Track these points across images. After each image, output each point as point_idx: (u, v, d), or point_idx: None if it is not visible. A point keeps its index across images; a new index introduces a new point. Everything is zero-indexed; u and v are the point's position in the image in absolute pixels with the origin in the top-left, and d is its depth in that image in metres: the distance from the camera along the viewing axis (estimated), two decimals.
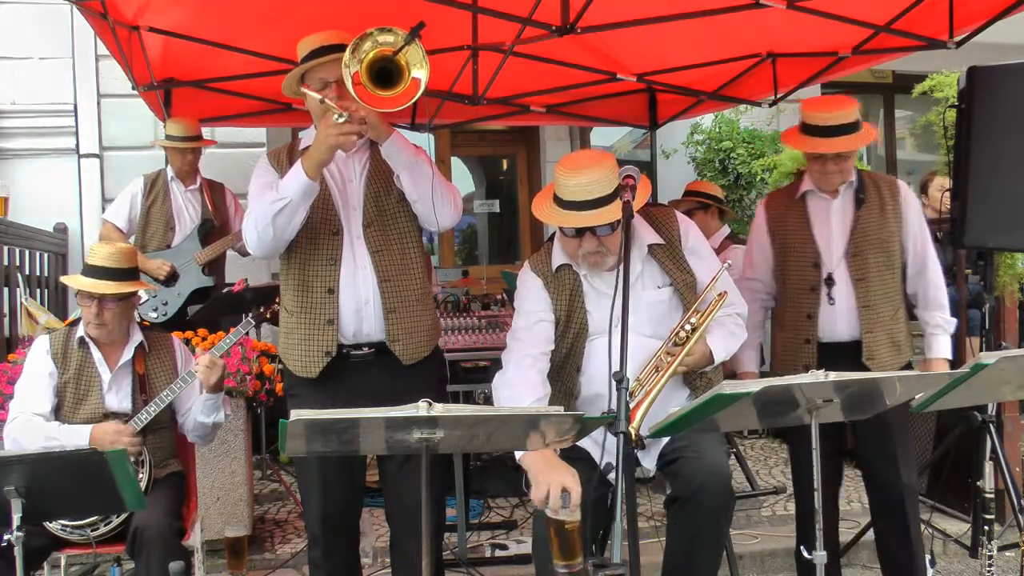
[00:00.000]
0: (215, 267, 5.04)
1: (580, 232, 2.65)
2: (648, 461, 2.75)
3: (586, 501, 2.28)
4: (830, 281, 3.24)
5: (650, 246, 2.79)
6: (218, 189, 5.19)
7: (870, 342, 3.21)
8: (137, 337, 3.21)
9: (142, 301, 4.72)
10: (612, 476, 2.25)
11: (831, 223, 3.29)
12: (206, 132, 6.07)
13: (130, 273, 3.13)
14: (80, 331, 3.16)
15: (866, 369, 3.16)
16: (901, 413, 3.01)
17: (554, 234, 2.86)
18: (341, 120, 2.52)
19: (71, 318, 3.45)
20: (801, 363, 3.23)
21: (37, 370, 3.13)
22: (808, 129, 3.21)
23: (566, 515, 2.17)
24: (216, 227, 5.04)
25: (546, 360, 2.77)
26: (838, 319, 3.25)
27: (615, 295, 2.42)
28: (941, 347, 3.28)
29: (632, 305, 2.58)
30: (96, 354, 3.15)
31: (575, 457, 2.54)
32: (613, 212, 2.58)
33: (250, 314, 3.23)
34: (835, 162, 3.19)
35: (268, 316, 3.27)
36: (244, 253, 5.15)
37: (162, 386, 3.15)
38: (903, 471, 3.22)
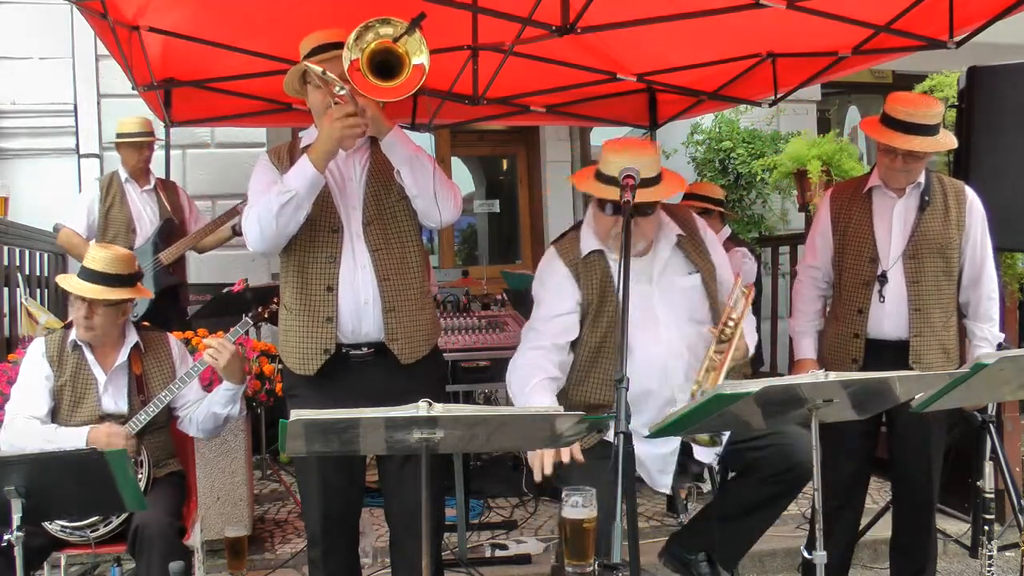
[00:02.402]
0: (178, 266, 5.07)
1: (617, 211, 2.69)
2: (706, 456, 2.84)
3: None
4: (883, 279, 3.21)
5: (679, 236, 2.89)
6: (172, 188, 5.22)
7: (918, 345, 3.19)
8: (133, 338, 3.20)
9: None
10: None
11: (892, 222, 3.24)
12: (206, 132, 6.09)
13: (126, 279, 3.10)
14: (73, 334, 3.15)
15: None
16: (940, 416, 3.03)
17: (580, 223, 2.94)
18: (342, 92, 2.52)
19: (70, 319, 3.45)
20: (850, 357, 3.24)
21: (33, 373, 3.12)
22: (887, 120, 3.14)
23: (585, 514, 2.16)
24: (177, 226, 5.07)
25: (560, 351, 2.83)
26: (886, 317, 3.22)
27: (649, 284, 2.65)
28: None
29: (667, 291, 2.80)
30: (89, 356, 3.14)
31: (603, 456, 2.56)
32: (655, 193, 2.70)
33: (249, 313, 3.22)
34: (905, 160, 3.12)
35: (266, 316, 3.27)
36: (202, 250, 5.20)
37: (159, 386, 3.14)
38: (934, 473, 3.25)
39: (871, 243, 3.25)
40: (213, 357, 3.00)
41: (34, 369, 3.13)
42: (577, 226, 2.97)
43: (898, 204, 3.24)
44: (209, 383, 3.44)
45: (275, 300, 3.19)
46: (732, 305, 2.79)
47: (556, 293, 2.85)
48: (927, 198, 3.21)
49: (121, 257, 3.12)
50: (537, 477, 2.54)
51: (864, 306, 3.24)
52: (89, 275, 3.06)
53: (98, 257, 3.08)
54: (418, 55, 2.49)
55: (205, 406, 3.16)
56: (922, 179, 3.22)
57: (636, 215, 2.68)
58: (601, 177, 2.73)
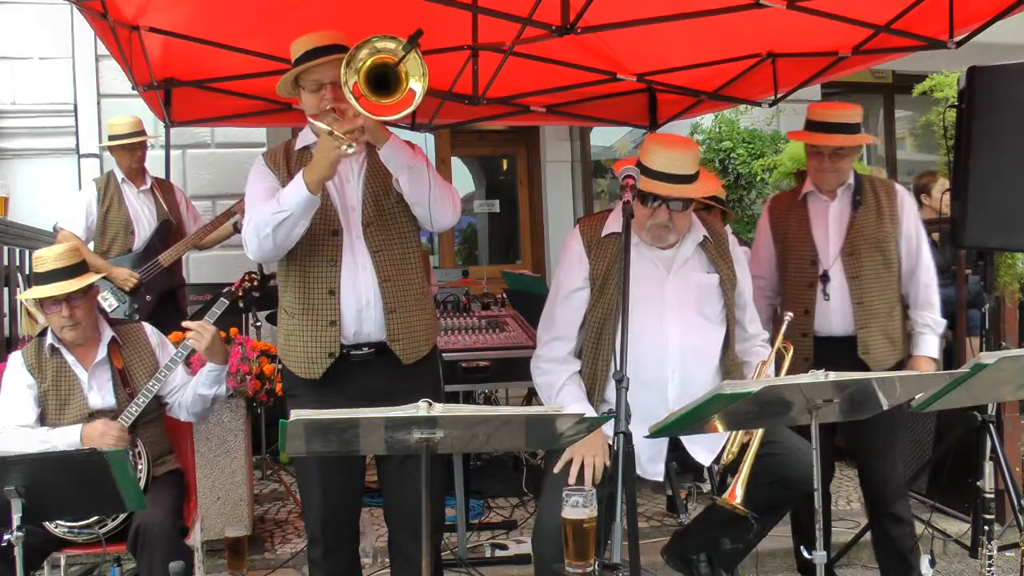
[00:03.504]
0: (175, 268, 5.07)
1: (656, 202, 2.75)
2: (703, 457, 2.84)
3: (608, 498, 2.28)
4: (825, 278, 3.36)
5: (705, 236, 2.94)
6: (168, 188, 5.21)
7: (864, 337, 3.32)
8: (108, 333, 3.20)
9: (112, 308, 4.73)
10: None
11: (828, 223, 3.41)
12: (206, 132, 6.07)
13: (81, 267, 3.12)
14: (49, 339, 3.14)
15: (862, 363, 3.27)
16: (893, 409, 3.07)
17: (612, 208, 2.98)
18: (350, 152, 2.52)
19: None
20: (801, 356, 3.30)
21: (16, 384, 3.12)
22: (811, 126, 3.38)
23: (586, 514, 2.16)
24: (174, 226, 5.07)
25: (579, 337, 2.91)
26: (832, 314, 3.36)
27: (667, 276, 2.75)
28: (927, 346, 3.36)
29: (682, 283, 2.84)
30: (69, 357, 3.13)
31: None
32: (691, 190, 2.77)
33: (224, 292, 3.28)
34: (831, 159, 3.32)
35: (241, 294, 3.33)
36: (204, 247, 5.21)
37: (143, 376, 3.14)
38: (894, 465, 3.32)
39: (810, 246, 3.42)
40: (196, 340, 3.02)
41: (15, 380, 3.12)
42: (611, 210, 3.01)
43: (832, 206, 3.41)
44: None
45: (248, 277, 3.31)
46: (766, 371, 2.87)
47: (568, 271, 2.93)
48: (859, 198, 3.37)
49: (67, 249, 3.14)
50: (578, 483, 2.59)
51: (810, 306, 3.38)
52: (49, 276, 3.05)
53: (48, 257, 3.07)
54: (415, 78, 2.46)
55: (191, 389, 3.17)
56: (852, 180, 3.39)
57: (672, 209, 2.76)
58: (646, 170, 2.75)
